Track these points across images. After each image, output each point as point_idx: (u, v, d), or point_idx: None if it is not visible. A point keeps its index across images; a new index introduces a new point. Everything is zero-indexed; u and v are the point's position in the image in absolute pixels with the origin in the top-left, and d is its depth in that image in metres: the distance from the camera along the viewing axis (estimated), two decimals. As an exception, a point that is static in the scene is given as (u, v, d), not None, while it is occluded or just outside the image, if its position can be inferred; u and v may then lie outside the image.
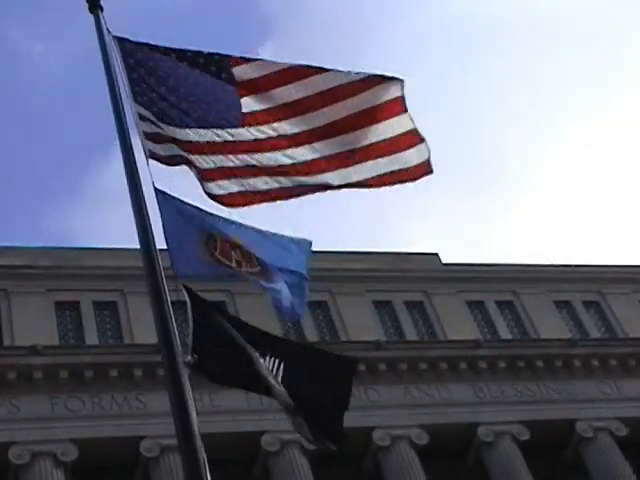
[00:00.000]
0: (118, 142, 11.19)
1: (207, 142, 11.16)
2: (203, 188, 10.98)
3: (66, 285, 35.20)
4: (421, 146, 11.09)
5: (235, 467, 31.58)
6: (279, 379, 9.94)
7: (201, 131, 11.23)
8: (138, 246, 10.32)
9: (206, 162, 11.09)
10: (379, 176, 10.98)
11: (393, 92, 11.06)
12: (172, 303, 9.80)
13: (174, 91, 11.49)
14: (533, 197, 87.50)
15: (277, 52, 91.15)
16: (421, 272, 40.20)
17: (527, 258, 73.82)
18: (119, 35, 12.22)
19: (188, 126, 11.22)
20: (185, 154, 11.15)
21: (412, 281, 39.81)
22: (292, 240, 11.41)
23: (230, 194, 10.97)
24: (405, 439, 33.33)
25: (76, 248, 37.71)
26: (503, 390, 36.01)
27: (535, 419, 35.17)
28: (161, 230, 10.62)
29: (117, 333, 34.84)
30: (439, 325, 38.78)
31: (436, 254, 41.91)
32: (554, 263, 43.49)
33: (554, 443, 35.61)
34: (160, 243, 10.45)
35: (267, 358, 10.07)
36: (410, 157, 11.03)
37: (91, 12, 12.60)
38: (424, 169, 11.07)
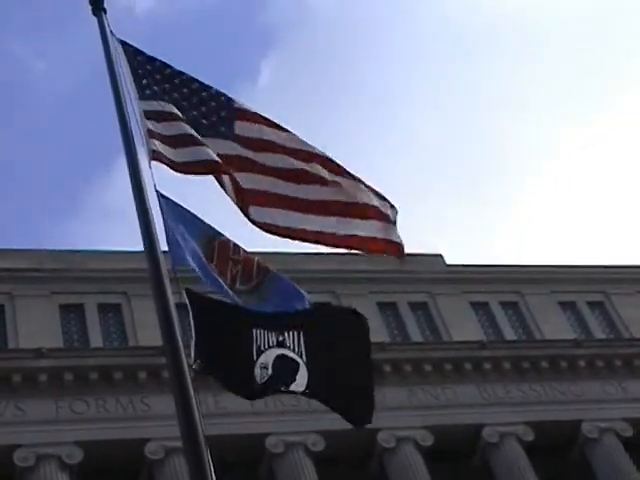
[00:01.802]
0: (121, 142, 11.19)
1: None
2: (244, 211, 11.10)
3: (70, 288, 35.22)
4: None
5: (240, 469, 31.57)
6: (302, 354, 10.02)
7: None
8: (142, 249, 10.32)
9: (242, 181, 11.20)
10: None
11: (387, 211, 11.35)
12: (176, 305, 9.80)
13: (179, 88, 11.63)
14: (537, 198, 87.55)
15: (280, 63, 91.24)
16: (425, 273, 40.16)
17: (531, 259, 73.83)
18: (122, 39, 12.26)
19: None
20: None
21: (416, 282, 39.78)
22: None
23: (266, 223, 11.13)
24: (410, 440, 33.30)
25: (80, 251, 37.73)
26: (508, 391, 35.97)
27: (540, 420, 35.12)
28: (164, 233, 10.62)
29: (122, 336, 34.85)
30: (444, 326, 38.74)
31: (440, 255, 41.89)
32: (558, 264, 43.47)
33: (559, 444, 35.57)
34: (164, 245, 10.46)
35: (287, 334, 10.15)
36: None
37: (94, 14, 12.61)
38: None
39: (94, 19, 12.61)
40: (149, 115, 11.28)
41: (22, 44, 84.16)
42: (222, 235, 11.06)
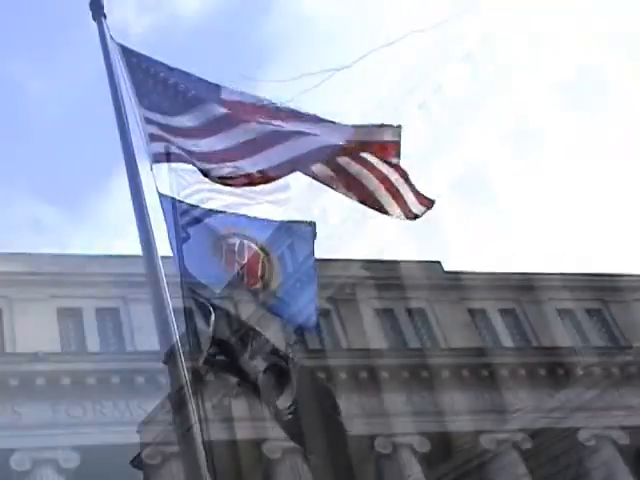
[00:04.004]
0: (120, 146, 11.21)
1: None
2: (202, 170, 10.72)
3: (68, 292, 35.17)
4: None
5: (237, 475, 31.51)
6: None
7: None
8: (140, 253, 10.33)
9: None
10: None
11: (387, 136, 10.20)
12: (174, 310, 9.81)
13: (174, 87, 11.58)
14: (535, 205, 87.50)
15: (278, 75, 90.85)
16: (423, 280, 40.15)
17: (529, 266, 73.73)
18: (120, 42, 12.28)
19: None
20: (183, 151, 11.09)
21: (414, 289, 39.75)
22: (296, 226, 11.23)
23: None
24: (407, 447, 33.27)
25: (78, 255, 37.67)
26: (505, 398, 35.93)
27: (538, 427, 35.09)
28: (165, 237, 10.60)
29: (119, 340, 34.82)
30: (441, 333, 38.73)
31: (438, 262, 41.86)
32: (556, 271, 43.46)
33: (556, 452, 35.53)
34: (162, 250, 10.45)
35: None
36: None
37: (94, 19, 12.64)
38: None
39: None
40: (150, 121, 11.27)
41: (16, 62, 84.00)
42: (233, 226, 10.93)
